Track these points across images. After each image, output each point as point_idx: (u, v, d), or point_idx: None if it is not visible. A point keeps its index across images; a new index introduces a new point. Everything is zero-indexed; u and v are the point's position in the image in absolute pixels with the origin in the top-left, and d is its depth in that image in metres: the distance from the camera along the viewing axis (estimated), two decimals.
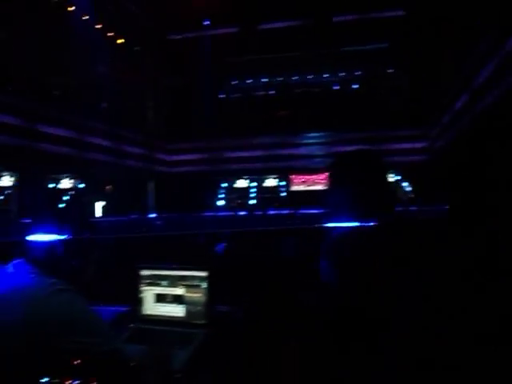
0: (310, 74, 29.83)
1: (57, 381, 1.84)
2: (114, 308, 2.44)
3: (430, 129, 23.74)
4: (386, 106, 25.69)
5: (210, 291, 2.33)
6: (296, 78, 30.16)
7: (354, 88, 28.94)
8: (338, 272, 1.76)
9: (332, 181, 1.88)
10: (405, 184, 23.87)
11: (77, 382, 1.84)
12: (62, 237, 1.81)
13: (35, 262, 1.77)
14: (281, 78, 30.34)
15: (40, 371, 1.71)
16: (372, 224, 1.77)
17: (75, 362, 1.88)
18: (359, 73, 28.80)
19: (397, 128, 24.07)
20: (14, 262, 1.78)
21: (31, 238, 1.80)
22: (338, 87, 29.33)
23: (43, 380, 1.83)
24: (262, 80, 30.77)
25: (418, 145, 24.46)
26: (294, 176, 27.83)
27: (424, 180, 20.89)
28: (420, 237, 1.77)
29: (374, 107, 25.63)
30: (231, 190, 29.39)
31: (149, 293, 2.47)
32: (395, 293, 1.62)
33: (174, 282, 2.41)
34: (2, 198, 21.65)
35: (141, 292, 2.49)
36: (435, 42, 20.45)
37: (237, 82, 31.25)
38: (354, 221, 1.81)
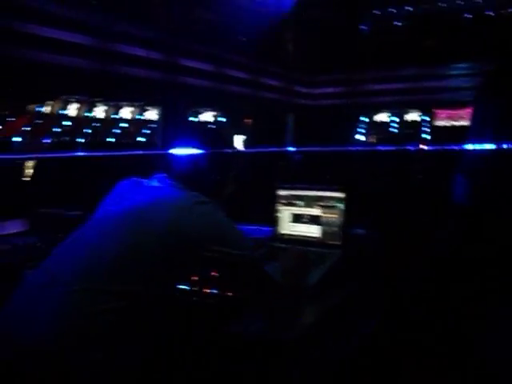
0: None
1: (195, 289, 1.93)
2: (251, 226, 2.51)
3: None
4: None
5: (346, 212, 2.31)
6: (444, 4, 28.23)
7: (509, 12, 26.60)
8: (471, 188, 1.69)
9: (478, 96, 1.79)
10: None
11: (215, 291, 1.92)
12: (205, 150, 1.83)
13: (178, 176, 1.81)
14: (426, 5, 28.57)
15: (178, 275, 1.79)
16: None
17: (214, 272, 1.96)
18: None
19: None
20: (157, 175, 1.84)
21: (175, 151, 1.85)
22: (491, 12, 27.13)
23: (182, 287, 1.93)
24: (406, 8, 29.20)
25: None
26: (438, 110, 26.57)
27: None
28: None
29: None
30: (371, 125, 28.77)
31: (285, 213, 2.50)
32: None
33: (310, 202, 2.42)
34: (147, 131, 22.88)
35: (278, 212, 2.53)
36: None
37: (379, 11, 29.92)
38: (494, 142, 1.71)
